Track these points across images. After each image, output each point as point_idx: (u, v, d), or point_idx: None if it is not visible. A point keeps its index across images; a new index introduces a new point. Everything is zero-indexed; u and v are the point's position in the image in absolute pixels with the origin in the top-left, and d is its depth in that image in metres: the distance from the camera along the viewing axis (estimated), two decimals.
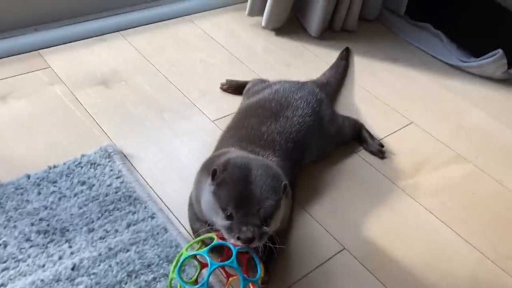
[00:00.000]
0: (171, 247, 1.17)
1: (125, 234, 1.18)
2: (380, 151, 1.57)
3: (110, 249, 1.15)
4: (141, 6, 2.00)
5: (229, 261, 0.96)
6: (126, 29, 1.89)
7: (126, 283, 1.09)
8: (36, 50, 1.70)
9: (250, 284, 1.01)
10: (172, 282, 1.03)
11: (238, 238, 0.99)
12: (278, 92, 1.45)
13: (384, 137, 1.63)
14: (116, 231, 1.19)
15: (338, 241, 1.29)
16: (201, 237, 1.06)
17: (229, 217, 1.01)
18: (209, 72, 1.78)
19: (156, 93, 1.64)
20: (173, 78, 1.72)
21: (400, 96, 1.85)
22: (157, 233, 1.20)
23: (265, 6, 2.00)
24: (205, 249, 1.00)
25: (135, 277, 1.10)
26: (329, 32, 2.12)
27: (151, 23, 1.95)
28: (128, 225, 1.21)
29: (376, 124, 1.66)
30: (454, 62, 2.05)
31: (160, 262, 1.14)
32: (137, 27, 1.92)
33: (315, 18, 2.02)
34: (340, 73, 1.85)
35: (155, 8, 2.02)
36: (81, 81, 1.62)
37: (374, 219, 1.36)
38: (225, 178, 1.04)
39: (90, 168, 1.33)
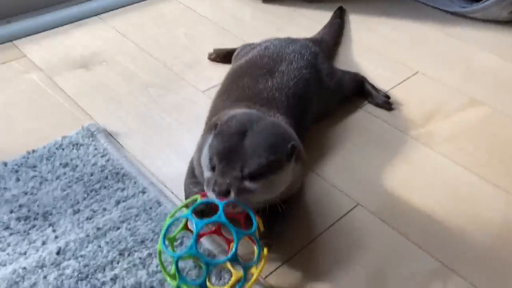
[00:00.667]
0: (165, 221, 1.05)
1: (114, 212, 1.07)
2: (386, 103, 1.44)
3: (98, 229, 1.03)
4: None
5: (215, 216, 0.86)
6: (104, 12, 1.79)
7: (118, 262, 0.97)
8: (10, 41, 1.60)
9: (248, 238, 0.90)
10: (162, 256, 0.92)
11: (213, 191, 0.89)
12: (268, 48, 1.34)
13: (389, 89, 1.51)
14: (104, 209, 1.08)
15: (351, 197, 1.16)
16: (185, 202, 0.94)
17: (212, 169, 0.91)
18: (195, 45, 1.67)
19: (139, 71, 1.53)
20: (157, 54, 1.61)
21: (402, 48, 1.73)
22: (150, 208, 1.08)
23: None
24: (188, 210, 0.88)
25: (128, 255, 0.99)
26: None
27: (131, 4, 1.85)
28: (117, 203, 1.09)
29: (378, 77, 1.54)
30: (456, 9, 1.92)
31: (155, 237, 1.02)
32: (116, 9, 1.82)
33: None
34: (335, 30, 1.73)
35: None
36: (59, 66, 1.52)
37: (388, 172, 1.24)
38: (222, 130, 0.93)
39: (73, 149, 1.22)
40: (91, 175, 1.15)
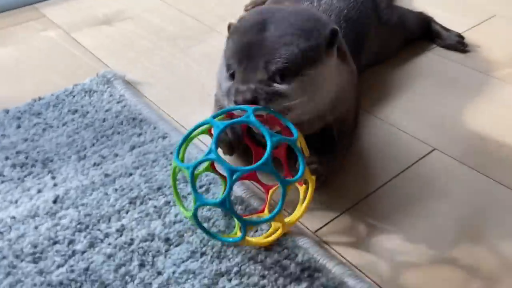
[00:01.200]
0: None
1: (127, 158, 0.87)
2: (460, 43, 1.19)
3: (106, 175, 0.83)
4: None
5: (243, 117, 0.66)
6: None
7: (127, 212, 0.77)
8: (30, 4, 1.46)
9: (298, 185, 0.71)
10: (178, 173, 0.72)
11: (235, 102, 0.68)
12: None
13: (462, 32, 1.24)
14: (116, 155, 0.88)
15: (424, 142, 0.91)
16: (196, 131, 0.72)
17: (231, 77, 0.71)
18: (230, 0, 1.48)
19: (167, 25, 1.35)
20: (188, 10, 1.42)
21: None
22: (171, 153, 0.87)
23: None
24: (209, 117, 0.68)
25: (141, 204, 0.78)
26: None
27: None
28: (132, 148, 0.89)
29: (447, 21, 1.27)
30: None
31: (176, 183, 0.81)
32: None
33: None
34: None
35: None
36: (80, 23, 1.36)
37: (469, 114, 0.98)
38: (237, 28, 0.73)
39: (85, 96, 1.03)
40: (104, 120, 0.96)
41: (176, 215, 0.76)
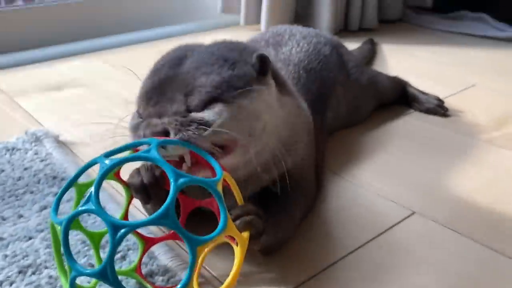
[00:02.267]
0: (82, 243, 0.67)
1: (33, 219, 0.70)
2: (440, 106, 1.08)
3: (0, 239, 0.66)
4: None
5: (143, 151, 0.51)
6: (103, 49, 1.57)
7: (11, 284, 0.58)
8: None
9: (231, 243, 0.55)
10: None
11: (143, 136, 0.55)
12: (276, 28, 1.02)
13: (443, 98, 1.14)
14: (20, 216, 0.71)
15: (402, 205, 0.75)
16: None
17: (140, 117, 0.58)
18: None
19: (122, 90, 1.23)
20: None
21: (451, 65, 1.40)
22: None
23: (260, 13, 1.68)
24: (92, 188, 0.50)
25: (32, 274, 0.60)
26: (345, 33, 1.74)
27: (132, 44, 1.64)
28: (43, 208, 0.73)
29: (424, 89, 1.17)
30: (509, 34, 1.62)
31: (85, 249, 0.64)
32: (115, 47, 1.60)
33: (325, 17, 1.67)
34: (365, 51, 1.42)
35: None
36: (28, 89, 1.25)
37: (453, 177, 0.84)
38: (150, 69, 0.62)
39: (5, 154, 0.88)
40: (18, 179, 0.80)
41: None
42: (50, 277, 0.59)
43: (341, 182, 0.82)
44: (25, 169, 0.83)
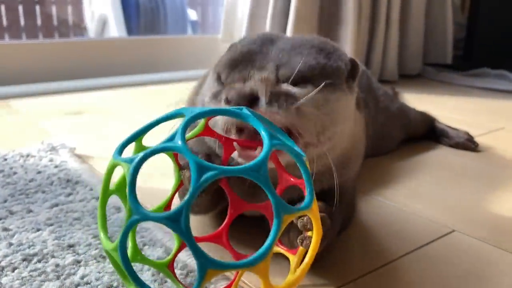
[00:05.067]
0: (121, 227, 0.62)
1: (43, 214, 0.65)
2: (470, 141, 1.03)
3: (4, 229, 0.60)
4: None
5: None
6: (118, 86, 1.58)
7: (14, 270, 0.52)
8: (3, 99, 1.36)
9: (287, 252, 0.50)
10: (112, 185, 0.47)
11: (227, 102, 0.49)
12: None
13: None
14: (30, 211, 0.66)
15: (440, 223, 0.69)
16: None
17: (220, 86, 0.54)
18: None
19: (142, 117, 1.22)
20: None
21: (477, 113, 1.38)
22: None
23: None
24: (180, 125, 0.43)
25: (38, 261, 0.54)
26: None
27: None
28: (54, 205, 0.68)
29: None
30: None
31: (96, 242, 0.58)
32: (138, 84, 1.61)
33: None
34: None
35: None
36: (47, 112, 1.23)
37: (490, 200, 0.78)
38: (235, 43, 0.59)
39: (19, 159, 0.84)
40: (31, 181, 0.76)
41: (83, 277, 0.51)
42: (57, 265, 0.53)
43: (372, 201, 0.77)
44: (38, 172, 0.79)
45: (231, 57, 0.54)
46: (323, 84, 0.51)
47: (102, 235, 0.45)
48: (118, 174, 0.46)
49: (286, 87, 0.51)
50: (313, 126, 0.51)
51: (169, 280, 0.51)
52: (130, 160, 0.42)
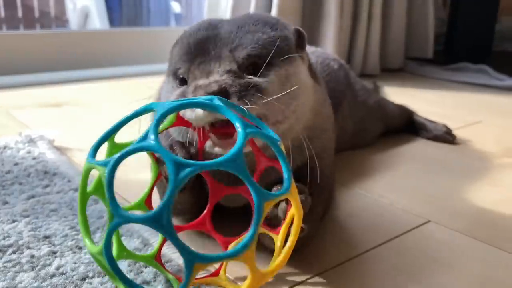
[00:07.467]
0: (100, 218, 0.62)
1: (19, 206, 0.64)
2: (448, 134, 1.05)
3: None
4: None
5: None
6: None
7: None
8: None
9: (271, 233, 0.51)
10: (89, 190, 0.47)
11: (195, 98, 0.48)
12: None
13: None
14: (5, 203, 0.65)
15: (416, 214, 0.70)
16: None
17: (182, 82, 0.55)
18: None
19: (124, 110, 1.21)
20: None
21: (456, 106, 1.39)
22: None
23: None
24: (150, 125, 0.43)
25: (13, 253, 0.54)
26: None
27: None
28: (31, 197, 0.67)
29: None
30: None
31: (73, 233, 0.58)
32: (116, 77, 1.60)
33: None
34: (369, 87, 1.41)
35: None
36: (26, 105, 1.22)
37: (466, 192, 0.80)
38: (182, 34, 0.59)
39: None
40: (8, 172, 0.75)
41: (58, 267, 0.51)
42: (32, 256, 0.53)
43: (350, 193, 0.78)
44: (15, 164, 0.78)
45: (184, 51, 0.55)
46: (283, 64, 0.53)
47: (87, 240, 0.45)
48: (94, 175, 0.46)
49: (252, 80, 0.51)
50: (279, 108, 0.52)
51: (145, 270, 0.51)
52: (104, 163, 0.42)
